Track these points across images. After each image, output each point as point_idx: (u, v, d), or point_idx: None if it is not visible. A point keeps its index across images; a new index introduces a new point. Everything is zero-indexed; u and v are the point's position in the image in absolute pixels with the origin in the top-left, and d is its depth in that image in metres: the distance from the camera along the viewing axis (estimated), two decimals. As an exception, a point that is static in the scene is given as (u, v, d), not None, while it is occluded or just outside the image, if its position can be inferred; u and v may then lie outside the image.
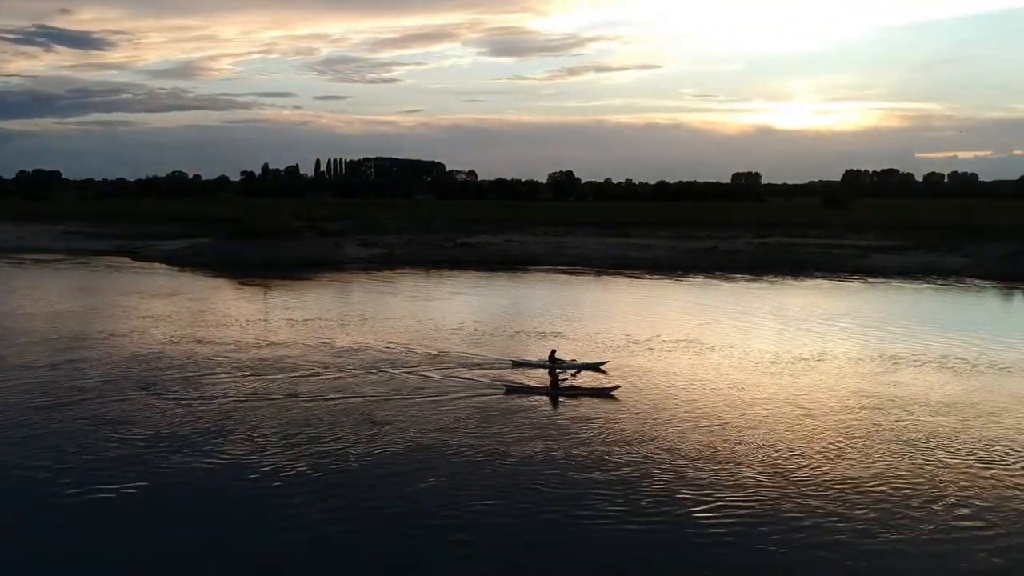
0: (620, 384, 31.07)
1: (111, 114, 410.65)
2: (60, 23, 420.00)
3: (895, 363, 35.11)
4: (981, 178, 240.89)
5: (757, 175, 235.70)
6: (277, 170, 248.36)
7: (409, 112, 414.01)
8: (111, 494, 20.65)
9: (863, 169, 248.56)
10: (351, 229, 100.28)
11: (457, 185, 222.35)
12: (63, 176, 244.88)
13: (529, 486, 21.10)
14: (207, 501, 20.41)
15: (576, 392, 30.37)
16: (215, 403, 28.53)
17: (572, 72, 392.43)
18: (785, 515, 19.36)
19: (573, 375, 31.99)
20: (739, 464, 22.62)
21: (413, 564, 17.38)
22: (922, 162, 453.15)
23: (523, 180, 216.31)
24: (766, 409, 28.11)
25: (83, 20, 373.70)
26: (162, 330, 42.22)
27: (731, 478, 21.58)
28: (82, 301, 53.34)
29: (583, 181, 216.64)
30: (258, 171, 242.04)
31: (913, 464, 22.78)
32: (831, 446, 24.21)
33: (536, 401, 29.47)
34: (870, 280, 66.37)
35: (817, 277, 68.54)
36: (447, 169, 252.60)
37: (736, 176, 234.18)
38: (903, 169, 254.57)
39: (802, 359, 35.99)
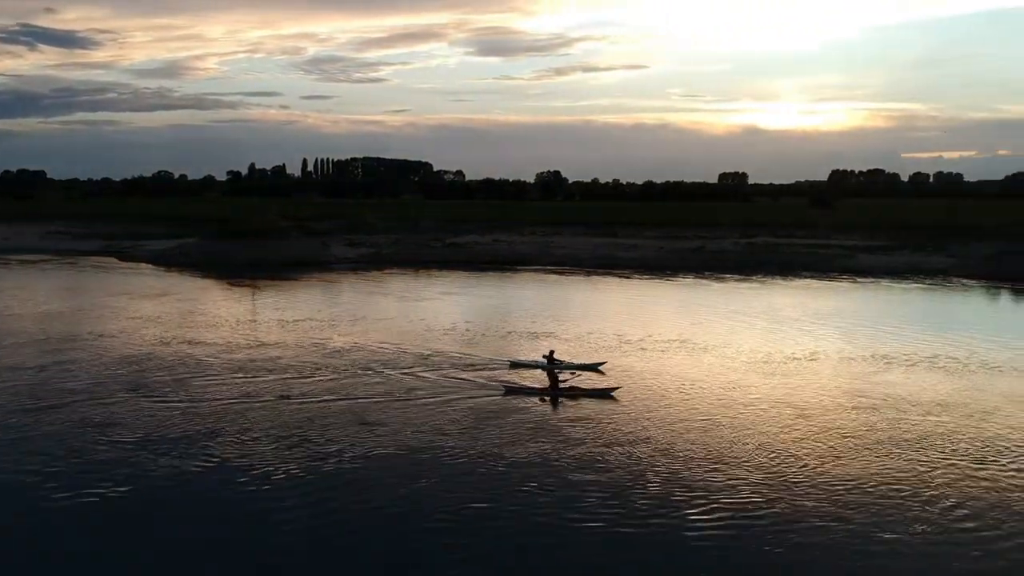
0: (620, 385, 31.01)
1: (96, 113, 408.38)
2: (45, 22, 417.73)
3: (886, 363, 35.24)
4: (966, 178, 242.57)
5: (744, 175, 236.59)
6: (264, 170, 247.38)
7: (396, 112, 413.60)
8: (102, 497, 20.45)
9: (849, 169, 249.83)
10: (338, 229, 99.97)
11: (444, 185, 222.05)
12: (48, 176, 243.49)
13: (525, 488, 21.01)
14: (198, 504, 20.22)
15: (576, 393, 30.24)
16: (206, 405, 28.32)
17: (559, 72, 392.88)
18: (780, 516, 19.33)
19: (572, 375, 31.78)
20: (734, 465, 22.61)
21: (407, 566, 17.28)
22: (907, 162, 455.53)
23: (511, 180, 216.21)
24: (761, 409, 28.13)
25: (68, 19, 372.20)
26: (151, 331, 41.95)
27: (726, 479, 21.55)
28: (70, 302, 52.94)
29: (570, 181, 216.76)
30: (244, 171, 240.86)
31: (907, 464, 22.83)
32: (825, 446, 24.23)
33: (536, 402, 29.36)
34: (858, 280, 66.65)
35: (805, 277, 68.78)
36: (434, 169, 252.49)
37: (723, 176, 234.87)
38: (889, 169, 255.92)
39: (794, 359, 36.07)
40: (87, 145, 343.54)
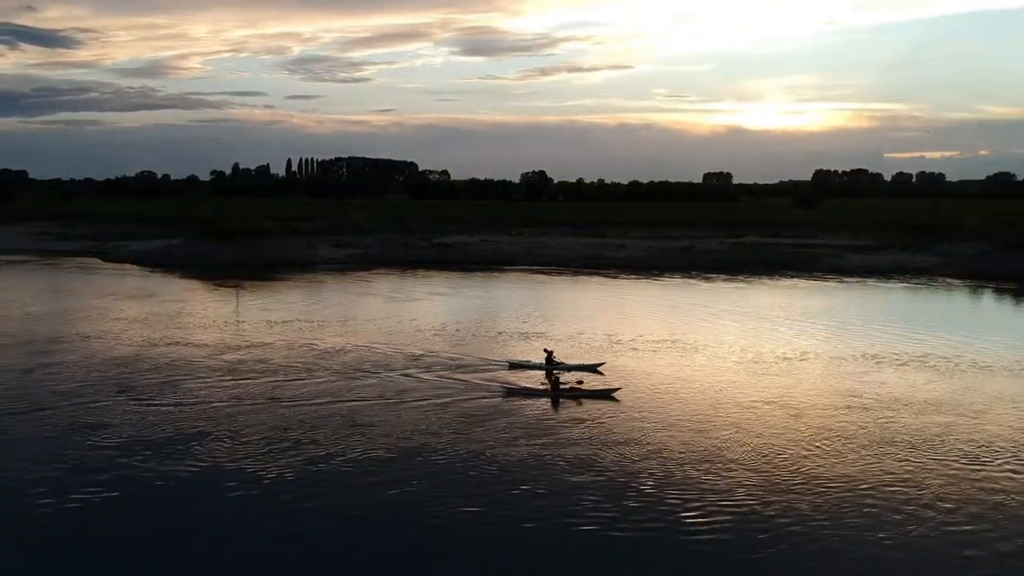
0: (620, 386, 30.89)
1: (79, 113, 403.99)
2: (26, 20, 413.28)
3: (877, 362, 35.33)
4: (948, 178, 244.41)
5: (728, 175, 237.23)
6: (248, 170, 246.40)
7: (381, 112, 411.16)
8: (91, 500, 20.21)
9: (833, 169, 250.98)
10: (324, 229, 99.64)
11: (430, 185, 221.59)
12: (30, 176, 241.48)
13: (520, 489, 20.91)
14: (188, 507, 20.00)
15: (577, 394, 30.07)
16: (195, 407, 28.06)
17: (544, 72, 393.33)
18: (776, 517, 19.30)
19: (575, 386, 31.28)
20: (729, 466, 22.57)
21: (401, 567, 17.17)
22: (890, 162, 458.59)
23: (497, 180, 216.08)
24: (755, 410, 28.12)
25: (49, 18, 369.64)
26: (139, 332, 41.58)
27: (721, 480, 21.50)
28: (55, 303, 52.45)
29: (555, 181, 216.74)
30: (229, 171, 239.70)
31: (900, 464, 22.85)
32: (819, 447, 24.22)
33: (533, 403, 29.19)
34: (845, 280, 66.91)
35: (792, 276, 68.99)
36: (419, 169, 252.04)
37: (708, 176, 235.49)
38: (872, 169, 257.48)
39: (786, 359, 36.12)
40: (69, 145, 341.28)
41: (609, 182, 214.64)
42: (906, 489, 21.03)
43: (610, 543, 18.10)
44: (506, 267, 76.77)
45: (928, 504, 20.11)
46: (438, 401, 28.91)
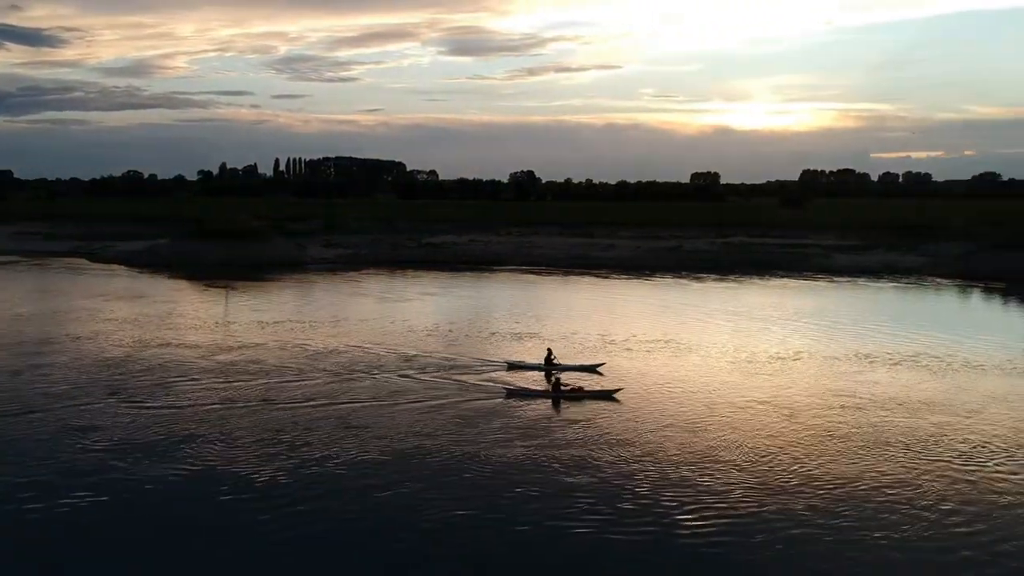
0: (622, 387, 30.78)
1: (64, 112, 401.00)
2: (11, 19, 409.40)
3: (871, 362, 35.44)
4: (934, 178, 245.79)
5: (716, 175, 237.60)
6: (235, 169, 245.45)
7: (369, 111, 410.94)
8: (81, 504, 20.00)
9: (820, 169, 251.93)
10: (313, 229, 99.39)
11: (418, 185, 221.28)
12: (15, 176, 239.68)
13: (515, 491, 20.80)
14: (179, 510, 19.79)
15: (578, 395, 29.93)
16: (187, 409, 27.83)
17: (532, 72, 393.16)
18: (771, 517, 19.26)
19: (568, 385, 31.06)
20: (725, 466, 22.55)
21: (395, 570, 17.08)
22: (876, 162, 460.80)
23: (485, 180, 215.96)
24: (750, 410, 28.12)
25: (35, 17, 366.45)
26: (129, 333, 41.29)
27: (717, 481, 21.47)
28: (43, 304, 52.06)
29: (544, 181, 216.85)
30: (215, 171, 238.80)
31: (894, 464, 22.88)
32: (814, 447, 24.24)
33: (536, 404, 29.08)
34: (835, 279, 67.18)
35: (782, 276, 69.21)
36: (407, 169, 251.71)
37: (695, 176, 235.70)
38: (859, 169, 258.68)
39: (779, 359, 36.19)
40: (55, 144, 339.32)
41: (597, 182, 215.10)
42: (901, 489, 21.04)
43: (606, 545, 18.02)
44: (495, 267, 76.72)
45: (923, 504, 20.12)
46: (435, 403, 28.76)
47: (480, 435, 25.26)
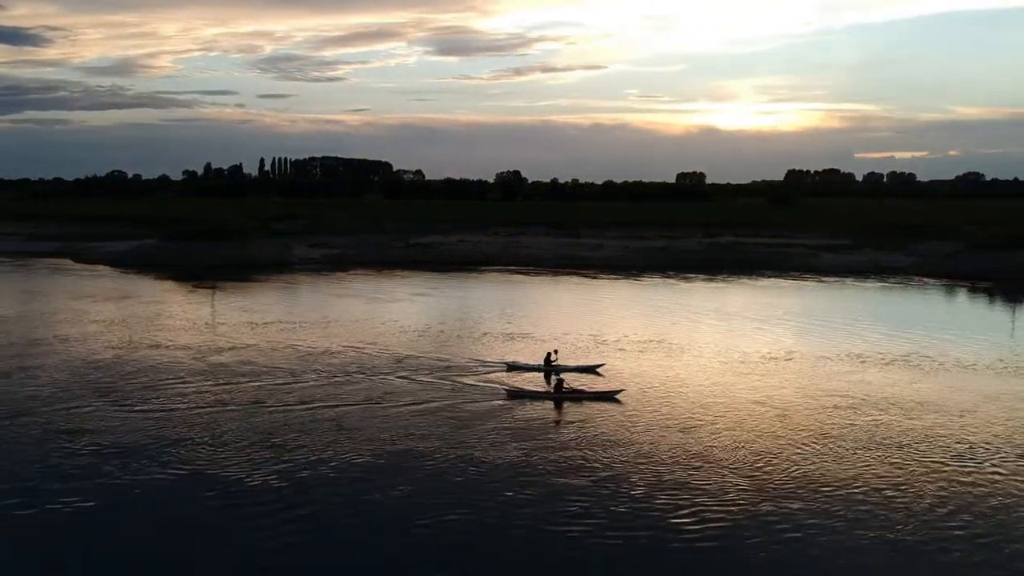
0: (623, 387, 30.60)
1: (47, 112, 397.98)
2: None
3: (862, 362, 35.47)
4: (918, 178, 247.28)
5: (702, 175, 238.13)
6: (220, 169, 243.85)
7: (354, 111, 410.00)
8: (70, 508, 19.71)
9: (805, 169, 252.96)
10: (300, 229, 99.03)
11: (404, 185, 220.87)
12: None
13: (510, 493, 20.65)
14: (169, 514, 19.52)
15: (580, 396, 29.70)
16: (177, 411, 27.51)
17: (518, 72, 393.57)
18: (767, 518, 19.18)
19: (570, 386, 30.69)
20: (720, 467, 22.47)
21: (389, 573, 16.93)
22: (861, 162, 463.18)
23: (473, 180, 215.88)
24: (745, 410, 28.06)
25: (17, 15, 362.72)
26: (117, 335, 40.87)
27: (712, 482, 21.38)
28: (29, 306, 51.54)
29: (530, 181, 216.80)
30: (200, 171, 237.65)
31: (889, 464, 22.85)
32: (809, 447, 24.17)
33: (537, 406, 28.84)
34: (823, 279, 67.35)
35: (770, 276, 69.34)
36: (394, 169, 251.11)
37: (681, 176, 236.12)
38: (843, 169, 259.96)
39: (773, 359, 36.20)
40: (38, 144, 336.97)
41: (583, 182, 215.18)
42: (896, 490, 20.99)
43: (602, 547, 17.90)
44: (483, 267, 76.56)
45: (918, 504, 20.09)
46: (434, 404, 28.49)
47: (480, 437, 25.07)
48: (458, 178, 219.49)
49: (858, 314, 48.99)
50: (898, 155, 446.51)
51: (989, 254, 70.52)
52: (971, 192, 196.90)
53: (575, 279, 68.90)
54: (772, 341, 40.34)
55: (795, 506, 19.93)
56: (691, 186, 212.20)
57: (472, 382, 31.58)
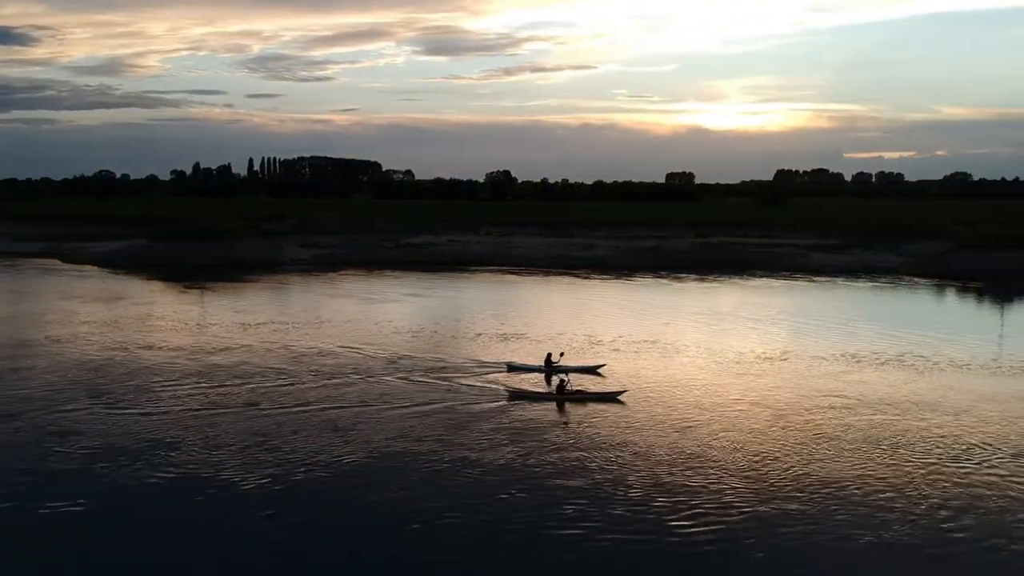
0: (626, 388, 30.38)
1: (34, 112, 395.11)
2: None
3: (857, 362, 35.46)
4: (907, 178, 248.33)
5: (691, 175, 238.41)
6: (209, 169, 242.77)
7: (344, 111, 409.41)
8: (60, 511, 19.47)
9: (794, 169, 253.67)
10: (290, 230, 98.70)
11: (394, 185, 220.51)
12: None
13: (504, 495, 20.52)
14: (161, 517, 19.28)
15: (582, 397, 29.49)
16: (169, 413, 27.24)
17: (507, 72, 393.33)
18: (764, 520, 19.10)
19: (572, 387, 30.35)
20: (717, 468, 22.37)
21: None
22: (849, 162, 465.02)
23: (463, 180, 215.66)
24: (741, 411, 28.00)
25: (4, 15, 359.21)
26: (108, 336, 40.53)
27: (709, 483, 21.28)
28: (18, 306, 51.11)
29: (520, 181, 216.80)
30: (189, 170, 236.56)
31: (885, 464, 22.79)
32: (805, 448, 24.10)
33: (539, 407, 28.63)
34: (815, 279, 67.44)
35: (762, 276, 69.42)
36: (383, 169, 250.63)
37: (670, 176, 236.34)
38: (832, 169, 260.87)
39: (767, 359, 36.16)
40: (25, 144, 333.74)
41: (573, 182, 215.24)
42: (893, 490, 20.95)
43: (599, 549, 17.79)
44: (475, 268, 76.40)
45: (915, 505, 20.05)
46: (435, 406, 28.22)
47: (484, 438, 24.90)
48: (448, 178, 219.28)
49: (851, 314, 49.02)
50: (886, 155, 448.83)
51: (979, 254, 70.71)
52: (958, 192, 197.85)
53: (567, 279, 68.82)
54: (767, 341, 40.32)
55: (793, 507, 19.83)
56: (680, 186, 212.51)
57: (473, 383, 31.36)
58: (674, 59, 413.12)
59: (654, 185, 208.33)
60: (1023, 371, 34.02)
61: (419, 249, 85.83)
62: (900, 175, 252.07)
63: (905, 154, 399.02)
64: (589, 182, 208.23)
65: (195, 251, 76.79)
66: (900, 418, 27.15)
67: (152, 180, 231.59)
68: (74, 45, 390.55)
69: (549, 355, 33.88)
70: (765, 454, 23.51)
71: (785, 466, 22.57)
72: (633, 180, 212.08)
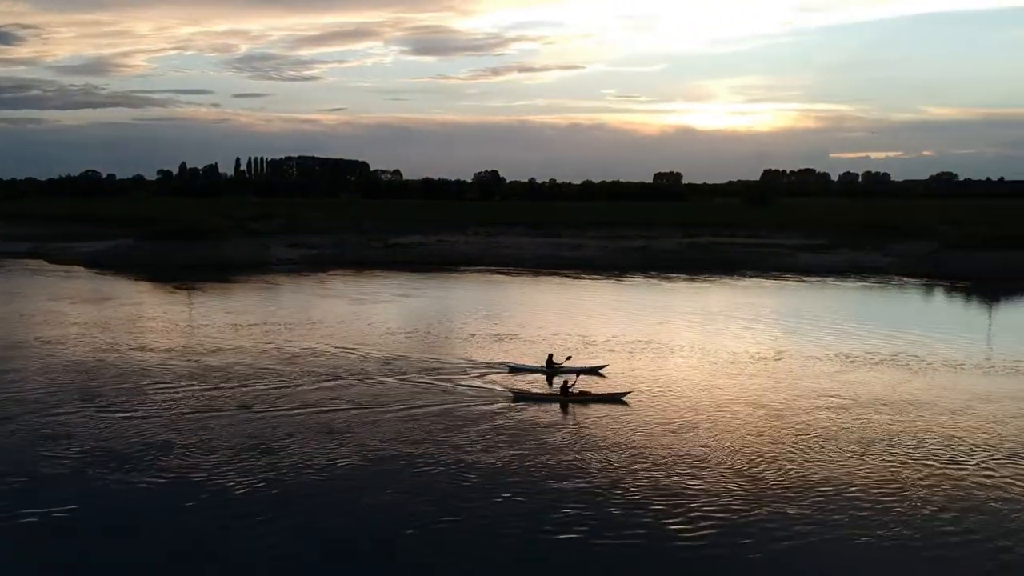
0: (631, 389, 30.21)
1: (19, 111, 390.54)
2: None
3: (852, 362, 35.49)
4: (893, 178, 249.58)
5: (678, 175, 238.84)
6: (195, 169, 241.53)
7: (331, 111, 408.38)
8: (50, 515, 19.21)
9: (781, 169, 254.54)
10: (277, 230, 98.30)
11: (382, 184, 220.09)
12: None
13: (500, 497, 20.39)
14: (153, 522, 19.04)
15: (586, 399, 29.29)
16: (161, 416, 26.90)
17: (495, 72, 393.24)
18: (761, 521, 19.04)
19: (575, 388, 30.12)
20: (714, 469, 22.32)
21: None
22: (836, 162, 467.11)
23: (450, 180, 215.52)
24: (738, 411, 27.94)
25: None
26: (98, 337, 40.12)
27: (706, 484, 21.21)
28: (7, 307, 50.55)
29: (508, 181, 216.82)
30: (175, 170, 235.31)
31: (882, 465, 22.76)
32: (802, 449, 24.06)
33: (542, 408, 28.46)
34: (804, 279, 67.60)
35: (751, 276, 69.54)
36: (371, 168, 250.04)
37: (658, 176, 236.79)
38: (819, 169, 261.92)
39: (762, 359, 36.16)
40: (10, 144, 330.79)
41: (561, 182, 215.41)
42: (889, 490, 20.92)
43: (596, 550, 17.70)
44: (464, 268, 76.27)
45: (912, 505, 20.01)
46: (437, 408, 27.93)
47: (486, 440, 24.72)
48: (436, 178, 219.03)
49: (844, 314, 49.11)
50: (873, 155, 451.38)
51: (967, 254, 71.05)
52: (944, 192, 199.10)
53: (557, 279, 68.76)
54: (762, 341, 40.36)
55: (792, 510, 19.78)
56: (668, 186, 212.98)
57: (474, 385, 31.14)
58: (662, 59, 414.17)
59: (642, 185, 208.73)
60: (1015, 371, 34.12)
61: (408, 249, 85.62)
62: (886, 175, 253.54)
63: (891, 154, 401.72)
64: (577, 182, 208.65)
65: (182, 251, 76.34)
66: (896, 418, 27.15)
67: (138, 180, 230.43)
68: (59, 44, 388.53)
69: (550, 356, 33.73)
70: (765, 454, 23.44)
71: (783, 467, 22.50)
72: (621, 180, 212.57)
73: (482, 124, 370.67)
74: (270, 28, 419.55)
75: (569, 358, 33.81)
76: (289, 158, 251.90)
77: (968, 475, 22.05)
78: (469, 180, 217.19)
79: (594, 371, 33.17)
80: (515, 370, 33.43)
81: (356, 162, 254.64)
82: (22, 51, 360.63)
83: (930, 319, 48.94)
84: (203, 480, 21.40)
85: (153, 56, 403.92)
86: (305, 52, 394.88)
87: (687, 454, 23.51)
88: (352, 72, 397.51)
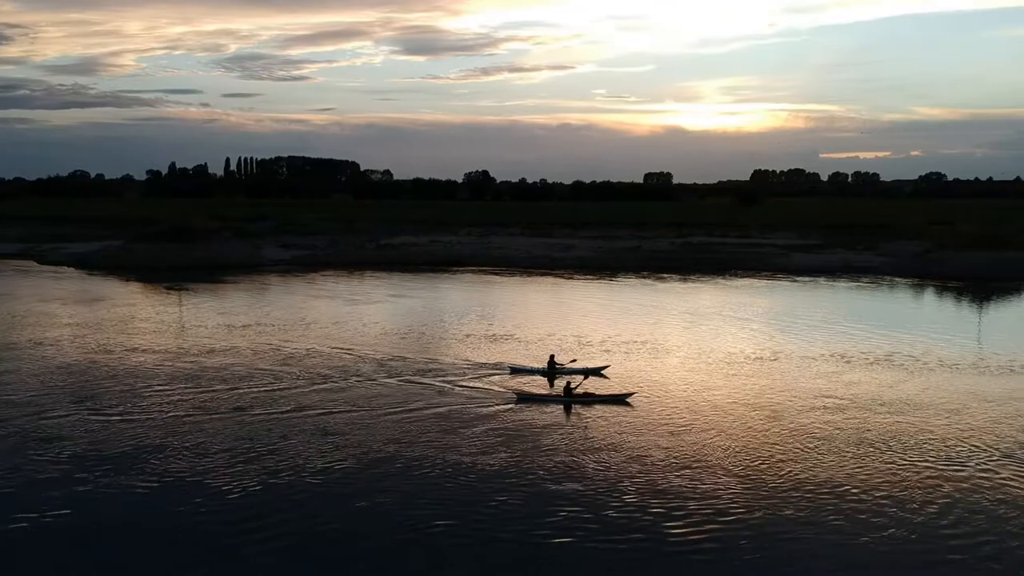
0: (635, 391, 30.09)
1: (8, 111, 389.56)
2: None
3: (847, 362, 35.53)
4: (882, 178, 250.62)
5: (669, 175, 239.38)
6: (185, 169, 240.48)
7: (321, 111, 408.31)
8: (44, 519, 19.09)
9: (770, 169, 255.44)
10: (268, 230, 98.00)
11: (372, 185, 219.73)
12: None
13: (498, 499, 20.31)
14: (147, 525, 18.88)
15: (590, 400, 29.18)
16: (155, 418, 26.76)
17: (485, 72, 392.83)
18: (760, 522, 19.03)
19: (578, 388, 30.11)
20: (713, 469, 22.28)
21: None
22: (826, 162, 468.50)
23: (441, 180, 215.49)
24: (735, 412, 27.90)
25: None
26: (91, 339, 39.88)
27: (704, 485, 21.17)
28: (-3, 308, 50.37)
29: (498, 181, 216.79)
30: (164, 170, 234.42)
31: (880, 465, 22.78)
32: (800, 449, 24.06)
33: (545, 410, 28.37)
34: (797, 279, 67.67)
35: (743, 276, 69.60)
36: (361, 168, 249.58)
37: (648, 176, 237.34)
38: (808, 169, 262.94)
39: (758, 359, 36.17)
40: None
41: (551, 182, 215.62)
42: (886, 490, 20.94)
43: (594, 551, 17.65)
44: (456, 268, 76.12)
45: (909, 505, 20.05)
46: (439, 409, 27.90)
47: (491, 441, 24.65)
48: (426, 178, 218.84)
49: (838, 314, 49.15)
50: (862, 155, 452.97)
51: (958, 254, 71.34)
52: (933, 192, 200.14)
53: (550, 279, 68.68)
54: (758, 341, 40.39)
55: (789, 510, 19.75)
56: (658, 186, 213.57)
57: (476, 386, 31.01)
58: (652, 59, 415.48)
59: (632, 185, 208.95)
60: (1010, 371, 34.18)
61: (400, 249, 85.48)
62: (876, 175, 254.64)
63: (880, 154, 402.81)
64: (568, 182, 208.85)
65: (172, 252, 76.00)
66: (893, 418, 27.19)
67: (127, 180, 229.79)
68: (48, 44, 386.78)
69: (552, 357, 33.62)
70: (764, 455, 23.42)
71: (781, 468, 22.48)
72: (611, 180, 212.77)
73: (472, 124, 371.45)
74: (260, 28, 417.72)
75: (574, 360, 33.71)
76: (279, 158, 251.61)
77: (965, 475, 22.08)
78: (459, 180, 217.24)
79: (597, 372, 33.04)
80: (516, 371, 33.29)
81: (346, 162, 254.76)
82: (10, 50, 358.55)
83: (923, 319, 49.01)
84: (197, 483, 21.24)
85: (142, 56, 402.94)
86: (295, 52, 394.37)
87: (686, 455, 23.46)
88: (342, 72, 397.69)
